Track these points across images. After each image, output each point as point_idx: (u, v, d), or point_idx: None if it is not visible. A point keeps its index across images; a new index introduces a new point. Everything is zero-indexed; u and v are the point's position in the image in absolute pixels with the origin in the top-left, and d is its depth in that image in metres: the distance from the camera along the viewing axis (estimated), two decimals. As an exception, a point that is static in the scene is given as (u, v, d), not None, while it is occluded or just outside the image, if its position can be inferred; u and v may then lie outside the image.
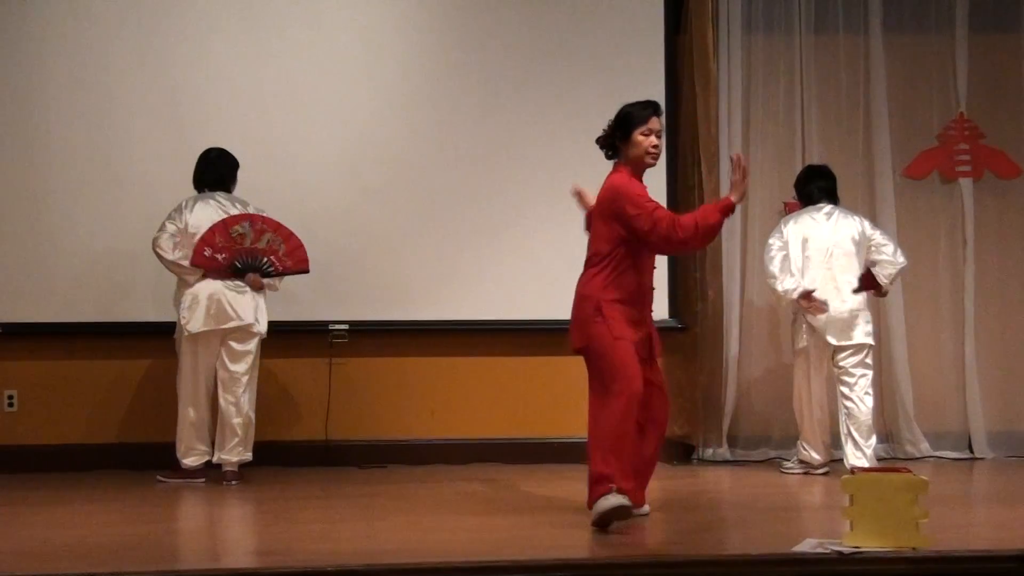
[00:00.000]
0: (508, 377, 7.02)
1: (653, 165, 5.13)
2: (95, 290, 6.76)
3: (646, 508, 5.11)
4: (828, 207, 6.59)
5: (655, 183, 7.25)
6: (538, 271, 6.92)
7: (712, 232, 4.94)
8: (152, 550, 4.76)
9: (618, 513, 4.67)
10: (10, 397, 6.82)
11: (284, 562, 4.21)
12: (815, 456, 6.54)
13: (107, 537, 4.81)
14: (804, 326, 6.50)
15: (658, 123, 5.07)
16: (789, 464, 6.69)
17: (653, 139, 5.03)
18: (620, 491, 4.69)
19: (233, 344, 6.25)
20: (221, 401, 6.27)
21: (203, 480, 6.27)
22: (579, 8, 7.16)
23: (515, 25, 7.13)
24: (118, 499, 5.81)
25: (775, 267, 6.51)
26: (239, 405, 6.25)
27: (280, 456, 6.80)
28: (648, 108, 5.07)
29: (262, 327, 6.32)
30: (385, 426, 6.98)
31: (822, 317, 6.40)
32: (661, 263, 7.04)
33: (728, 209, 4.90)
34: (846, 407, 6.41)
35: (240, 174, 6.72)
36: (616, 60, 7.13)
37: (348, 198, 6.96)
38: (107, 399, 6.81)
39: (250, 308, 6.26)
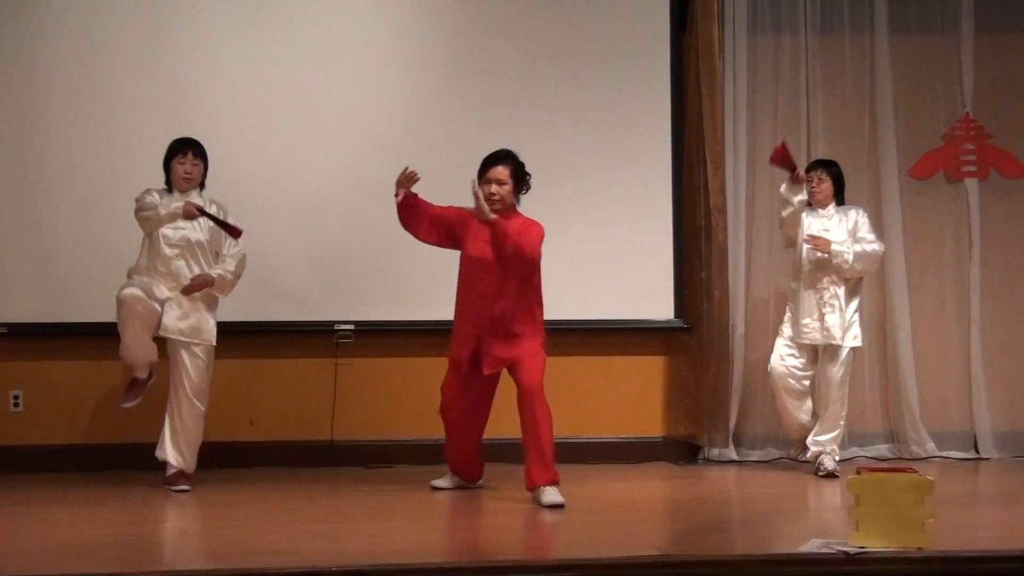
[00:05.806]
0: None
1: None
2: (100, 290, 6.70)
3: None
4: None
5: (660, 183, 7.32)
6: (543, 272, 6.90)
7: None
8: (155, 550, 4.78)
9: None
10: (15, 397, 6.82)
11: (288, 562, 4.21)
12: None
13: (111, 537, 4.82)
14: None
15: (499, 171, 5.82)
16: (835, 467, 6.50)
17: (490, 187, 5.79)
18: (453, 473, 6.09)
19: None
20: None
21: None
22: (585, 9, 7.15)
23: (521, 26, 7.12)
24: (122, 499, 5.81)
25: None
26: None
27: (285, 456, 6.80)
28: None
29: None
30: (390, 426, 6.97)
31: None
32: (666, 264, 7.11)
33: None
34: None
35: (246, 175, 6.73)
36: (622, 61, 7.13)
37: (354, 199, 6.94)
38: (112, 399, 6.77)
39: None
